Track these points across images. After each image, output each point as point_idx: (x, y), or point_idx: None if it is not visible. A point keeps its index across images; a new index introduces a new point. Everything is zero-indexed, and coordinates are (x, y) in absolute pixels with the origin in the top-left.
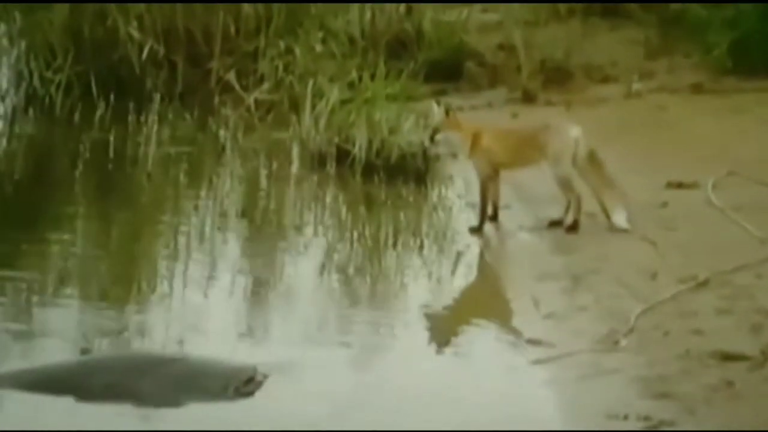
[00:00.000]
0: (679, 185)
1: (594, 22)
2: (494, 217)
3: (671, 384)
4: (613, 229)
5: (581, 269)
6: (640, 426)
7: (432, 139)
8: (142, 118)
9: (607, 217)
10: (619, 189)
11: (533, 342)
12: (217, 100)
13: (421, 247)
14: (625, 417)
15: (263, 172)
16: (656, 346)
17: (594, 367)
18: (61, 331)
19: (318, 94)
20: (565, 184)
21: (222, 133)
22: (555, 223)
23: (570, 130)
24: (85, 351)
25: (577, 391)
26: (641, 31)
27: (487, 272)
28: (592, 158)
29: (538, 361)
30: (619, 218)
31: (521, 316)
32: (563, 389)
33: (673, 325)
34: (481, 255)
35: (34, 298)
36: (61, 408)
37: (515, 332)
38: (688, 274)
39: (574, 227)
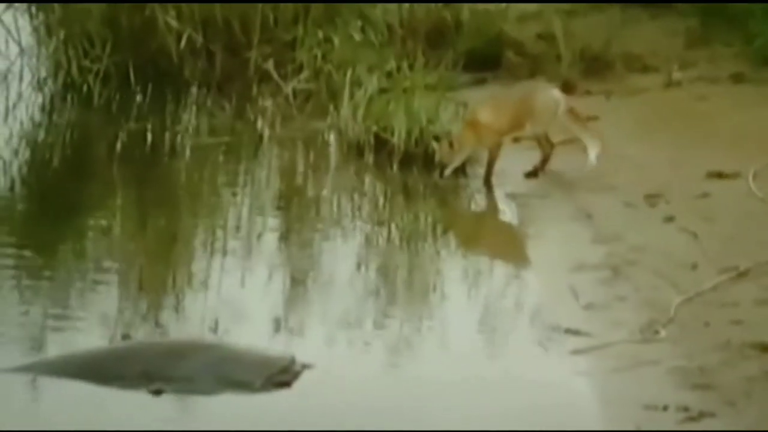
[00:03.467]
0: (720, 175)
1: (634, 11)
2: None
3: (711, 375)
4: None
5: (620, 259)
6: (679, 417)
7: (442, 175)
8: (180, 108)
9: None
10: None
11: (572, 332)
12: (255, 89)
13: (459, 237)
14: (664, 408)
15: (301, 162)
16: (696, 337)
17: (633, 357)
18: (100, 318)
19: (356, 84)
20: (541, 140)
21: (260, 122)
22: (531, 174)
23: (553, 92)
24: (125, 337)
25: (616, 382)
26: (682, 20)
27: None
28: (572, 112)
29: (576, 352)
30: (592, 155)
31: (560, 306)
32: (602, 380)
33: (713, 316)
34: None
35: (73, 286)
36: (99, 394)
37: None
38: (728, 264)
39: (534, 174)
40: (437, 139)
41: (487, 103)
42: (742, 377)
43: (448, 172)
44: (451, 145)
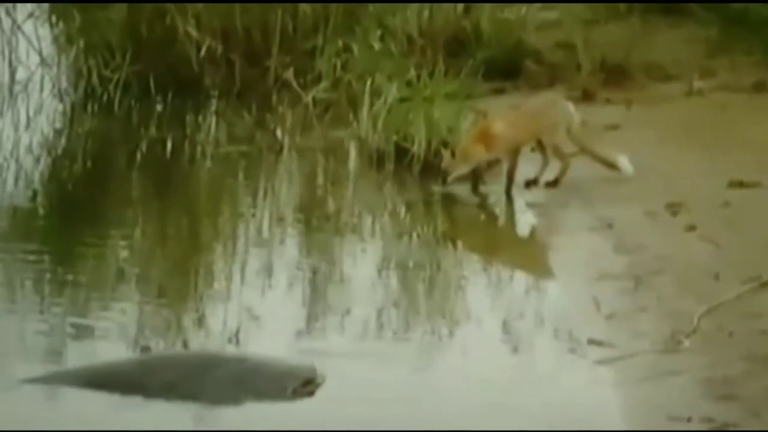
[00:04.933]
0: (741, 184)
1: (654, 20)
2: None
3: (735, 385)
4: (623, 175)
5: (643, 269)
6: (703, 428)
7: (444, 182)
8: (200, 117)
9: (614, 167)
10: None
11: (594, 342)
12: (274, 98)
13: (479, 247)
14: (689, 419)
15: (321, 171)
16: (720, 347)
17: (656, 368)
18: (121, 327)
19: (376, 93)
20: (557, 150)
21: (279, 131)
22: (531, 182)
23: (566, 104)
24: (145, 349)
25: (640, 393)
26: (702, 29)
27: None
28: (584, 126)
29: (599, 362)
30: (624, 163)
31: (582, 316)
32: (625, 390)
33: (736, 326)
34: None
35: (93, 296)
36: (121, 406)
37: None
38: (751, 274)
39: (554, 183)
40: (446, 145)
41: (498, 114)
42: (766, 388)
43: (450, 180)
44: (453, 154)
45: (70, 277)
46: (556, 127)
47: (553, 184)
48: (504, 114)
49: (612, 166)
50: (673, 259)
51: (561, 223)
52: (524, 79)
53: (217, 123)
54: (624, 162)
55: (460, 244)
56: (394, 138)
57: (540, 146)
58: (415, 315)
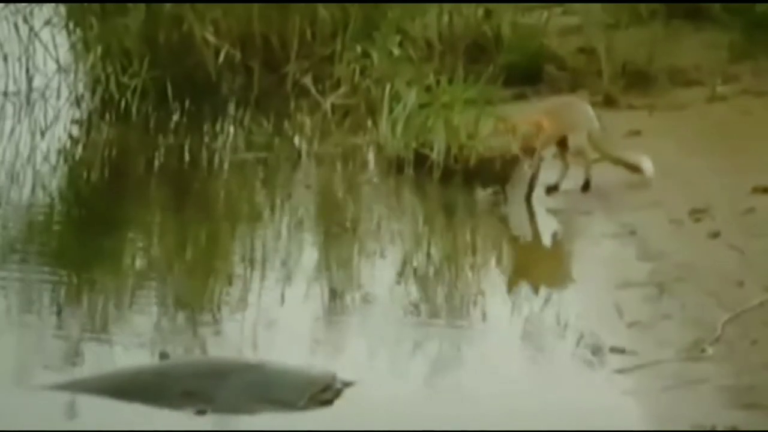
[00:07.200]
0: (766, 190)
1: (676, 24)
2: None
3: (759, 394)
4: (645, 180)
5: (665, 277)
6: None
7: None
8: (218, 124)
9: (636, 170)
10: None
11: (616, 350)
12: (293, 105)
13: (500, 254)
14: (713, 427)
15: (339, 178)
16: (744, 355)
17: (679, 376)
18: (138, 335)
19: (395, 99)
20: (580, 153)
21: (298, 138)
22: (552, 189)
23: (587, 107)
24: (163, 356)
25: (662, 401)
26: (725, 33)
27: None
28: (604, 132)
29: (621, 371)
30: (647, 164)
31: (604, 324)
32: (647, 399)
33: (761, 334)
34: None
35: (111, 303)
36: (138, 413)
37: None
38: None
39: (586, 187)
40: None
41: (523, 114)
42: None
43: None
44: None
45: (87, 284)
46: (580, 129)
47: (585, 187)
48: (530, 113)
49: (634, 168)
50: (697, 266)
51: (583, 229)
52: (545, 84)
53: (235, 130)
54: (646, 163)
55: (480, 250)
56: (414, 144)
57: (561, 151)
58: (433, 322)
